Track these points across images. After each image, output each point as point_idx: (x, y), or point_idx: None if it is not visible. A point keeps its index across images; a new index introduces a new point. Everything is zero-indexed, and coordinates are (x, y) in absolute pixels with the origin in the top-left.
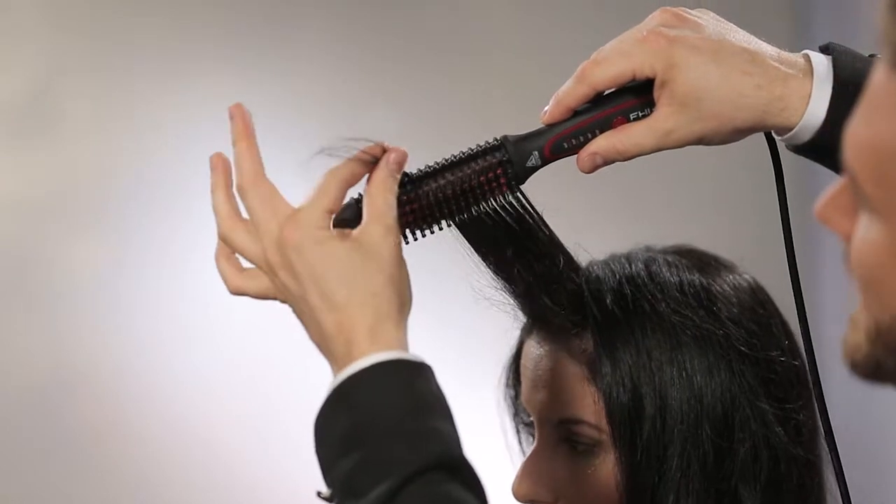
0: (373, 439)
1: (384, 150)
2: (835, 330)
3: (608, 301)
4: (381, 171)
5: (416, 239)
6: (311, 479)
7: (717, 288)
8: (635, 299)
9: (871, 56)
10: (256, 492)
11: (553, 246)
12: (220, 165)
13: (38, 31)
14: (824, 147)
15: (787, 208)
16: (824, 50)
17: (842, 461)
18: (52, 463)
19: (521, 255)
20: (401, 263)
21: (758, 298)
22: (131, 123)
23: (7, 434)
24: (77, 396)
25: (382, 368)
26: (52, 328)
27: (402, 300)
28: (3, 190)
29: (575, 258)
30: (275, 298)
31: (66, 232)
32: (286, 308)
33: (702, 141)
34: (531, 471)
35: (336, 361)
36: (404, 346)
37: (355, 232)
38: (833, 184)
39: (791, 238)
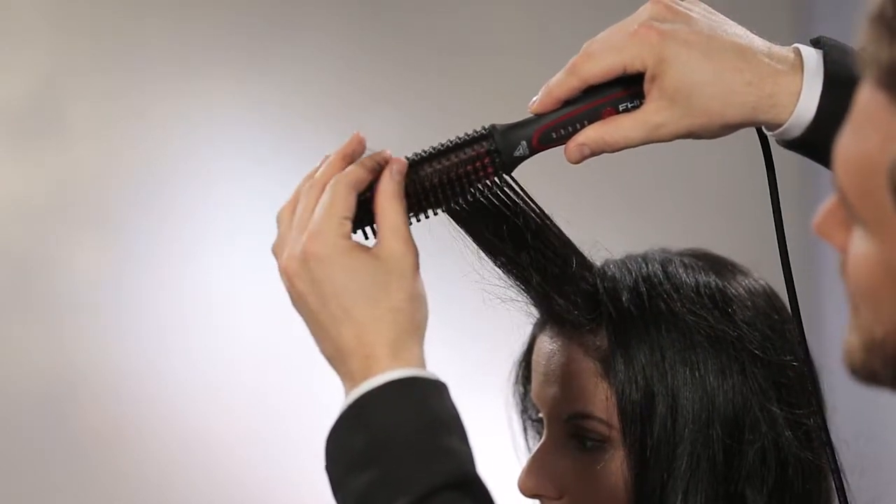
0: (388, 457)
1: (387, 161)
2: (841, 337)
3: (624, 299)
4: (389, 184)
5: None
6: (311, 480)
7: (733, 291)
8: (651, 298)
9: None
10: (257, 493)
11: (565, 246)
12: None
13: (40, 32)
14: (815, 143)
15: (778, 204)
16: (815, 44)
17: (849, 470)
18: (54, 464)
19: (535, 260)
20: (419, 279)
21: (772, 303)
22: (133, 124)
23: (8, 435)
24: (78, 397)
25: (399, 386)
26: (54, 329)
27: (422, 316)
28: (4, 191)
29: (588, 257)
30: None
31: (67, 233)
32: (287, 309)
33: (691, 135)
34: (538, 465)
35: (351, 376)
36: (423, 364)
37: (375, 247)
38: (829, 198)
39: (783, 232)
